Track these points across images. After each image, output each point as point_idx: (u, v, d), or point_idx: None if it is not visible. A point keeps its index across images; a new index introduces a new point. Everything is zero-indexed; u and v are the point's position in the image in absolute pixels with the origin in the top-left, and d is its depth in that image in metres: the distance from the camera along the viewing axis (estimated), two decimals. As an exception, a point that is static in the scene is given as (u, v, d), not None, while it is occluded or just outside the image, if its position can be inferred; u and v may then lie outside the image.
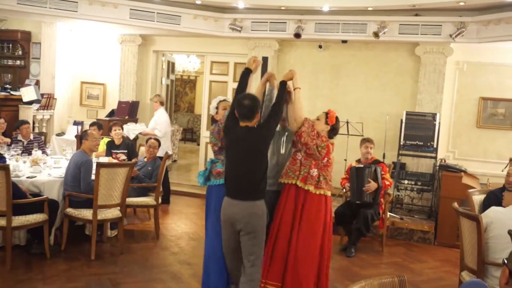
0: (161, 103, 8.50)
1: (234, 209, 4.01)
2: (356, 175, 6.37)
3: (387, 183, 6.40)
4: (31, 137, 7.54)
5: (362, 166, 6.45)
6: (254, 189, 4.01)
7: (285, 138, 4.85)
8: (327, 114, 4.63)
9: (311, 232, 4.39)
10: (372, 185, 6.30)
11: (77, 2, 8.35)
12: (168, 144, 8.48)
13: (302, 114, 4.46)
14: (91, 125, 7.76)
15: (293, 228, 4.41)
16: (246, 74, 4.42)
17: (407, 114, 8.06)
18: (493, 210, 4.44)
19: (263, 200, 4.07)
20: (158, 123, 8.27)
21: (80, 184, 5.67)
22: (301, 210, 4.42)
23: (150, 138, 7.30)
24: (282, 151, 5.15)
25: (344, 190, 6.84)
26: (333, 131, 4.65)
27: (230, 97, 10.34)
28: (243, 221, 3.98)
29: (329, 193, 4.50)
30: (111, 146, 7.55)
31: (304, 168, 4.44)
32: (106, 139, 7.79)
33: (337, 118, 4.67)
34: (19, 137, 7.46)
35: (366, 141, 6.79)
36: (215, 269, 4.45)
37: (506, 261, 3.58)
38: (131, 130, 8.55)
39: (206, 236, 4.60)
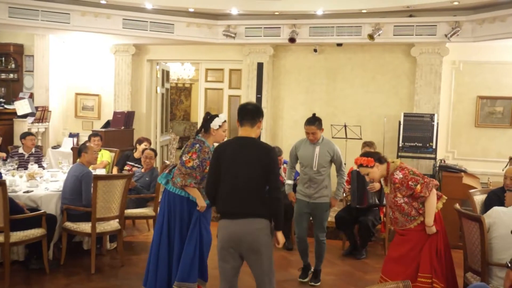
0: None
1: (235, 228, 3.61)
2: (357, 179, 6.29)
3: None
4: (33, 150, 7.45)
5: None
6: (256, 204, 3.61)
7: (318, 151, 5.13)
8: (361, 165, 4.33)
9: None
10: (376, 184, 6.15)
11: (69, 14, 8.31)
12: None
13: (434, 204, 4.48)
14: (93, 135, 7.57)
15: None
16: None
17: (405, 115, 8.03)
18: (495, 210, 4.40)
19: (267, 221, 3.66)
20: None
21: (78, 197, 5.61)
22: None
23: (146, 149, 7.21)
24: (315, 168, 5.16)
25: (344, 194, 6.77)
26: (380, 159, 4.33)
27: (225, 103, 10.33)
28: (246, 239, 3.59)
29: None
30: (127, 157, 7.42)
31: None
32: (105, 152, 7.69)
33: (368, 153, 4.45)
34: (20, 150, 7.37)
35: (365, 144, 6.73)
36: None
37: (509, 265, 3.55)
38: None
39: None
